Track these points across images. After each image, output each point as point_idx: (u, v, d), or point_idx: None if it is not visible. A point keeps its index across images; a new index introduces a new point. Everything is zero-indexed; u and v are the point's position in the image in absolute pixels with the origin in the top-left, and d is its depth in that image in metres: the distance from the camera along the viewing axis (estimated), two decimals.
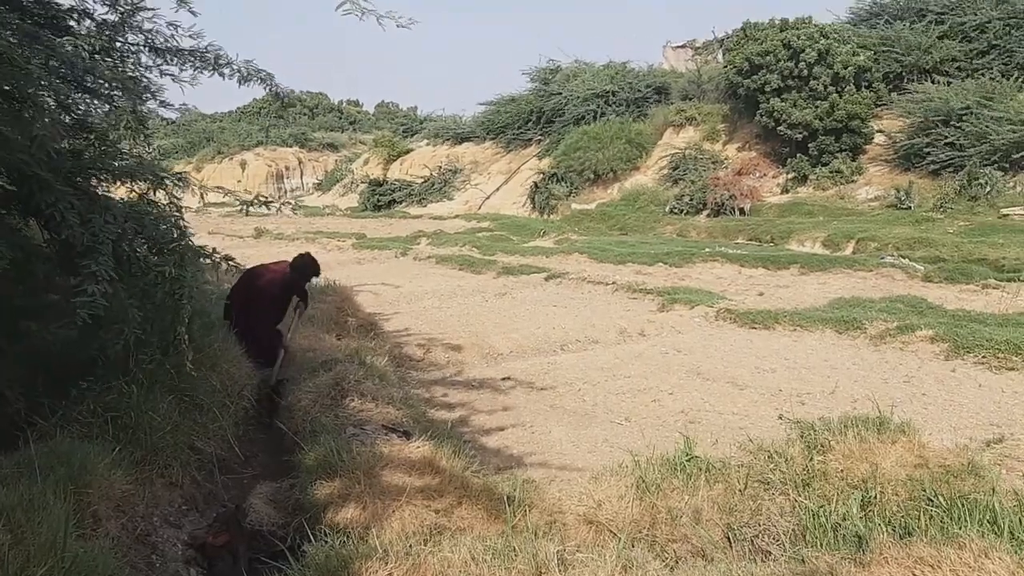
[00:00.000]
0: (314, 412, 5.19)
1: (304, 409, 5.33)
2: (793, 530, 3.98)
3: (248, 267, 6.95)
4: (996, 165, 18.01)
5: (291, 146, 47.55)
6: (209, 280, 8.19)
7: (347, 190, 38.65)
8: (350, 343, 7.28)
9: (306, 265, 6.93)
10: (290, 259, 7.08)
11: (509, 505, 3.86)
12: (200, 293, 5.94)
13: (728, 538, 3.99)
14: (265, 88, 5.94)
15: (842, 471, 4.34)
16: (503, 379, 7.60)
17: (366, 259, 18.23)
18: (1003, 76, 19.82)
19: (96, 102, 5.36)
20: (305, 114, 56.23)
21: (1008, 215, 16.49)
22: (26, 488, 3.02)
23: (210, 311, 6.16)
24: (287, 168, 45.75)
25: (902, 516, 3.69)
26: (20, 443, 3.70)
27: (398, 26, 4.16)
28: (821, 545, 3.65)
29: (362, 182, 36.66)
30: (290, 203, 33.31)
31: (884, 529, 3.49)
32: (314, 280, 7.27)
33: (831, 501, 4.06)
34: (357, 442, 4.31)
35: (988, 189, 17.54)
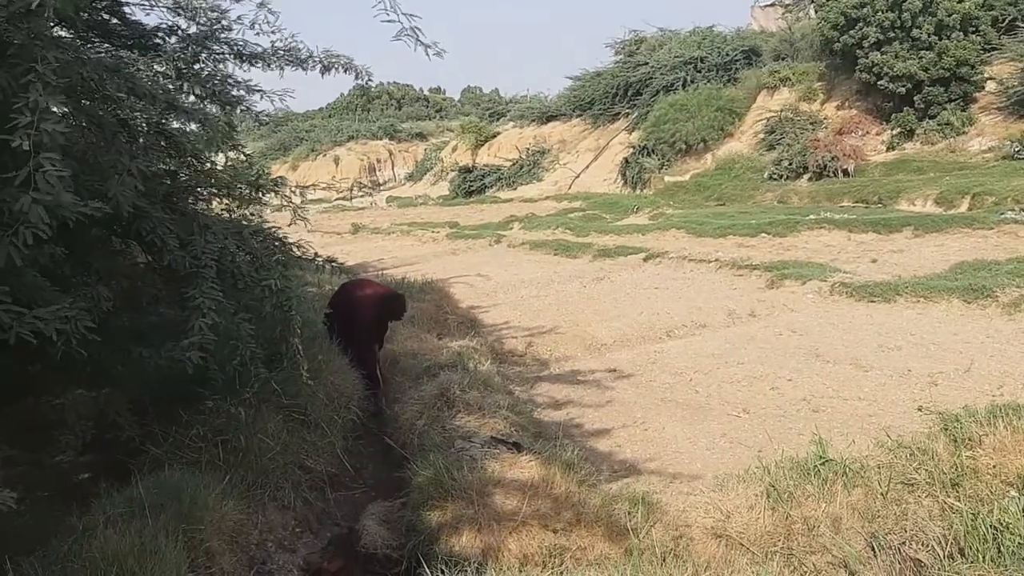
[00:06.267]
0: (421, 424, 5.08)
1: (410, 420, 5.24)
2: (944, 536, 3.63)
3: (349, 281, 6.90)
4: None
5: (381, 138, 48.22)
6: (310, 281, 8.27)
7: (437, 178, 38.94)
8: (452, 344, 7.17)
9: (394, 306, 6.72)
10: (380, 270, 6.95)
11: (630, 520, 3.65)
12: (304, 301, 5.94)
13: (872, 547, 3.67)
14: (347, 73, 5.87)
15: (995, 467, 3.94)
16: (609, 371, 7.36)
17: (460, 249, 18.22)
18: None
19: (188, 122, 5.38)
20: (392, 105, 56.98)
21: None
22: (137, 531, 2.98)
23: (314, 320, 6.13)
24: (378, 160, 46.44)
25: None
26: (132, 475, 3.70)
27: (435, 54, 4.20)
28: (982, 557, 3.30)
29: (451, 169, 36.85)
30: (383, 194, 33.96)
31: None
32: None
33: (986, 503, 3.69)
34: (467, 457, 4.16)
35: None
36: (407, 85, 59.32)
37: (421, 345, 7.21)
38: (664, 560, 3.31)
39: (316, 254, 5.55)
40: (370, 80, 6.29)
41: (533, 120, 36.16)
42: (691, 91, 26.85)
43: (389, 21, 3.94)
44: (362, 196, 35.64)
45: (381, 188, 43.30)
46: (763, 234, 14.11)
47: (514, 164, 33.21)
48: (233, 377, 4.35)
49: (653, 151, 26.00)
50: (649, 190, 25.09)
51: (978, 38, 19.73)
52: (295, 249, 5.36)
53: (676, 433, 5.75)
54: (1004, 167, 17.07)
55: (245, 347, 4.13)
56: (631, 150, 27.00)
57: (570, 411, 6.36)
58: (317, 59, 5.61)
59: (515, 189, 31.66)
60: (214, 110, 5.41)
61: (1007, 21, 20.13)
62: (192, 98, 5.29)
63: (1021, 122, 18.57)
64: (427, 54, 4.14)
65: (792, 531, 3.72)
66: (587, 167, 30.01)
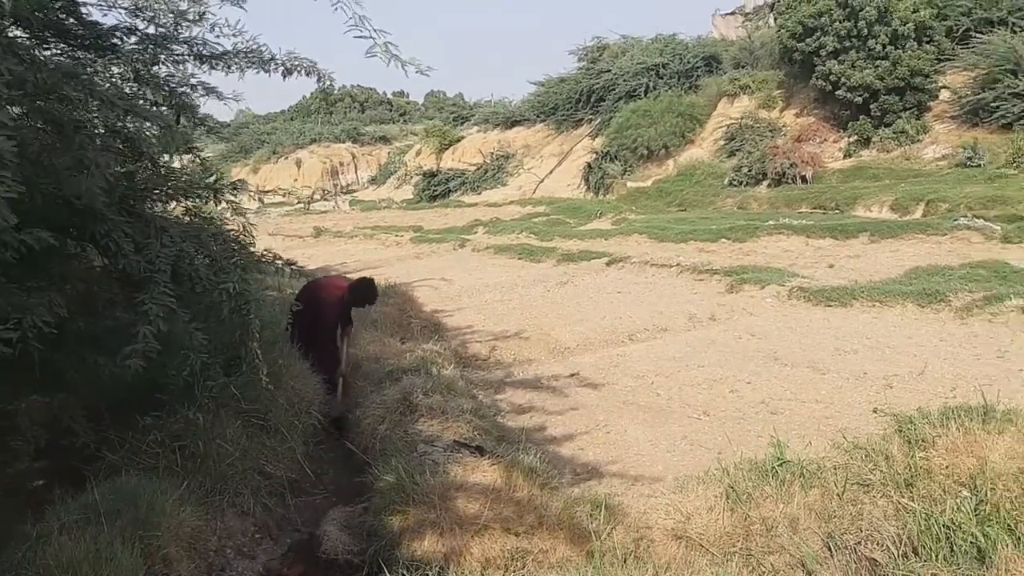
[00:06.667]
0: (383, 429, 5.06)
1: (372, 425, 5.21)
2: (899, 535, 3.70)
3: (312, 279, 6.86)
4: None
5: (344, 141, 47.91)
6: (271, 286, 8.19)
7: (401, 182, 38.79)
8: (415, 348, 7.15)
9: (366, 293, 6.76)
10: (342, 272, 6.94)
11: (591, 523, 3.67)
12: (264, 304, 5.88)
13: (829, 547, 3.73)
14: (310, 76, 5.83)
15: (947, 467, 4.02)
16: (572, 375, 7.40)
17: (424, 253, 18.18)
18: None
19: (146, 123, 5.30)
20: (356, 108, 56.67)
21: None
22: (93, 537, 2.92)
23: (274, 324, 6.07)
24: (341, 163, 46.12)
25: (1023, 520, 3.37)
26: (88, 481, 3.63)
27: (417, 71, 4.09)
28: (935, 556, 3.37)
29: (416, 173, 36.74)
30: (346, 198, 33.62)
31: (1006, 538, 3.19)
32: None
33: (938, 502, 3.77)
34: (429, 461, 4.15)
35: None
36: (370, 88, 59.06)
37: (384, 349, 7.18)
38: (625, 562, 3.34)
39: (276, 257, 5.50)
40: (332, 84, 6.26)
41: (497, 124, 36.20)
42: (653, 98, 27.08)
43: (361, 37, 3.91)
44: (323, 202, 35.17)
45: (344, 191, 43.04)
46: (723, 239, 14.29)
47: (478, 168, 33.22)
48: (191, 382, 4.30)
49: (616, 157, 26.17)
50: (612, 195, 25.25)
51: (932, 48, 20.16)
52: (255, 252, 5.31)
53: (638, 436, 5.79)
54: (957, 174, 17.45)
55: (196, 357, 4.05)
56: (594, 155, 27.15)
57: (533, 415, 6.38)
58: (279, 62, 5.57)
59: (479, 193, 31.65)
60: (172, 113, 5.34)
61: (960, 31, 20.60)
62: (150, 100, 5.23)
63: (974, 130, 19.01)
64: (404, 71, 4.10)
65: (751, 532, 3.77)
66: (551, 172, 30.11)
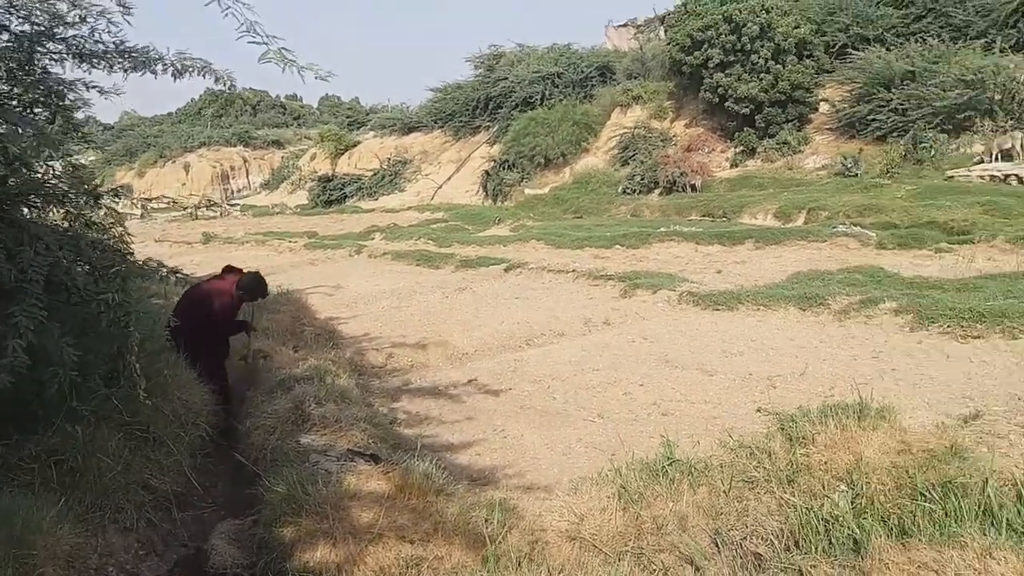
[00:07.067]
0: (274, 439, 4.94)
1: (263, 436, 5.08)
2: (782, 529, 3.86)
3: (193, 284, 6.62)
4: (939, 128, 18.22)
5: (235, 145, 46.65)
6: (157, 294, 7.88)
7: (295, 187, 38.06)
8: (309, 356, 7.00)
9: (255, 286, 6.61)
10: (233, 272, 6.74)
11: (487, 528, 3.68)
12: (146, 314, 5.65)
13: (716, 543, 3.85)
14: (205, 77, 5.63)
15: (826, 463, 4.22)
16: (470, 381, 7.40)
17: (320, 259, 17.86)
18: (939, 40, 19.98)
19: (18, 125, 5.02)
20: (247, 112, 55.23)
21: (953, 177, 16.69)
22: None
23: (158, 334, 5.84)
24: (232, 168, 44.86)
25: (895, 511, 3.57)
26: None
27: (316, 78, 4.01)
28: (815, 548, 3.53)
29: (310, 178, 36.14)
30: (237, 204, 32.62)
31: (880, 529, 3.37)
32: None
33: (818, 496, 3.95)
34: (322, 471, 4.08)
35: (933, 152, 17.76)
36: (262, 91, 57.67)
37: (276, 358, 7.01)
38: (519, 565, 3.36)
39: (161, 264, 5.29)
40: (233, 86, 6.06)
41: (395, 130, 36.00)
42: (549, 106, 27.49)
43: (254, 43, 3.79)
44: (212, 214, 33.89)
45: (235, 196, 41.83)
46: (617, 246, 14.61)
47: (375, 174, 32.93)
48: (65, 397, 4.09)
49: (514, 165, 26.42)
50: (510, 202, 25.47)
51: (812, 63, 21.25)
52: (138, 260, 5.09)
53: (534, 440, 5.85)
54: (836, 183, 18.42)
55: (66, 374, 3.84)
56: (492, 163, 27.33)
57: (430, 422, 6.35)
58: (168, 61, 5.36)
59: (376, 199, 31.39)
60: (47, 115, 5.08)
61: (838, 47, 21.78)
62: (26, 101, 4.96)
63: (851, 142, 20.13)
64: (301, 77, 3.99)
65: (642, 531, 3.86)
66: (449, 178, 30.13)
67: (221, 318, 6.39)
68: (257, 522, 4.05)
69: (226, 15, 3.72)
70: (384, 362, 8.24)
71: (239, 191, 43.67)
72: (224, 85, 5.84)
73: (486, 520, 3.74)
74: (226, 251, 20.71)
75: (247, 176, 44.98)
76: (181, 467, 4.80)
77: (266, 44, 3.79)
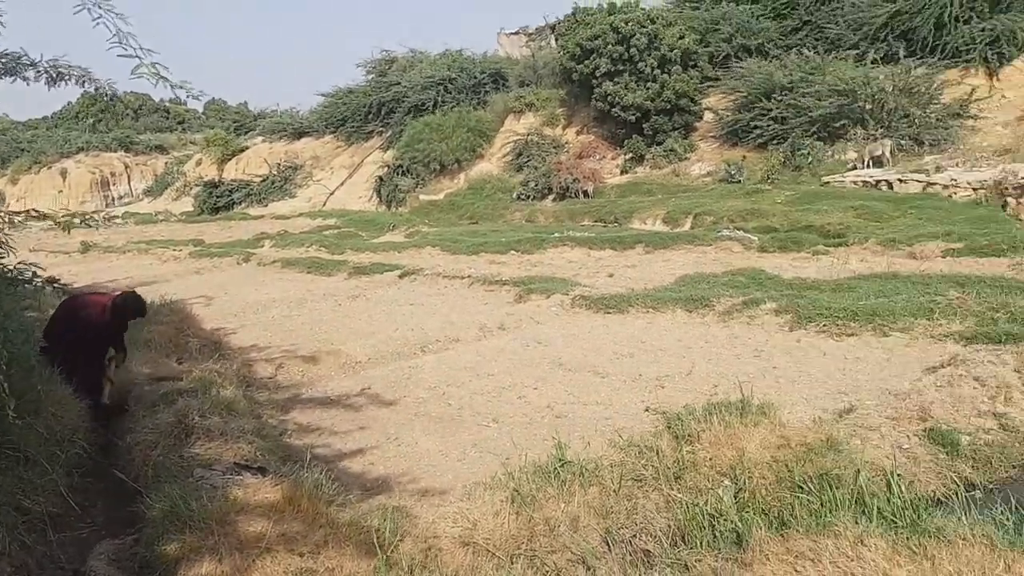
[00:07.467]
0: (156, 455, 4.74)
1: (144, 451, 4.86)
2: (670, 525, 3.97)
3: (71, 295, 6.30)
4: (816, 136, 19.17)
5: (116, 151, 44.59)
6: (31, 306, 7.44)
7: (180, 193, 36.75)
8: (193, 368, 6.75)
9: (127, 309, 6.28)
10: (111, 289, 6.45)
11: (379, 537, 3.63)
12: (19, 327, 5.34)
13: (607, 542, 3.93)
14: (85, 85, 5.38)
15: (711, 459, 4.37)
16: (363, 390, 7.29)
17: (205, 268, 17.28)
18: (815, 51, 21.01)
19: None
20: (129, 116, 52.94)
21: (829, 183, 17.57)
22: None
23: (29, 352, 5.51)
24: (113, 174, 42.89)
25: (775, 504, 3.73)
26: None
27: (188, 96, 3.89)
28: (700, 543, 3.65)
29: (196, 184, 34.95)
30: (116, 217, 31.12)
31: (760, 522, 3.51)
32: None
33: (703, 492, 4.08)
34: (207, 486, 3.94)
35: (810, 159, 18.66)
36: (145, 95, 55.41)
37: (158, 370, 6.73)
38: (412, 573, 3.34)
39: (35, 274, 5.03)
40: (115, 96, 5.80)
41: (285, 135, 35.25)
42: (443, 112, 27.47)
43: (125, 56, 3.60)
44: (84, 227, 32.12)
45: (117, 204, 39.98)
46: (512, 251, 14.74)
47: (265, 180, 32.14)
48: None
49: (408, 170, 26.26)
50: (405, 208, 25.31)
51: (696, 72, 21.98)
52: (8, 265, 4.82)
53: (429, 447, 5.81)
54: (721, 189, 19.11)
55: None
56: (386, 168, 27.09)
57: (322, 432, 6.22)
58: (42, 68, 5.09)
59: (266, 206, 30.63)
60: None
61: (721, 57, 22.62)
62: None
63: (734, 149, 20.93)
64: (175, 94, 3.85)
65: (535, 533, 3.89)
66: (342, 184, 29.70)
67: (89, 332, 6.07)
68: (138, 541, 3.88)
69: (96, 25, 3.54)
70: (274, 373, 8.03)
71: (120, 198, 41.80)
72: (107, 94, 5.60)
73: (378, 529, 3.69)
74: (106, 260, 19.83)
75: (129, 182, 43.10)
76: (56, 486, 4.55)
77: (139, 57, 3.61)
